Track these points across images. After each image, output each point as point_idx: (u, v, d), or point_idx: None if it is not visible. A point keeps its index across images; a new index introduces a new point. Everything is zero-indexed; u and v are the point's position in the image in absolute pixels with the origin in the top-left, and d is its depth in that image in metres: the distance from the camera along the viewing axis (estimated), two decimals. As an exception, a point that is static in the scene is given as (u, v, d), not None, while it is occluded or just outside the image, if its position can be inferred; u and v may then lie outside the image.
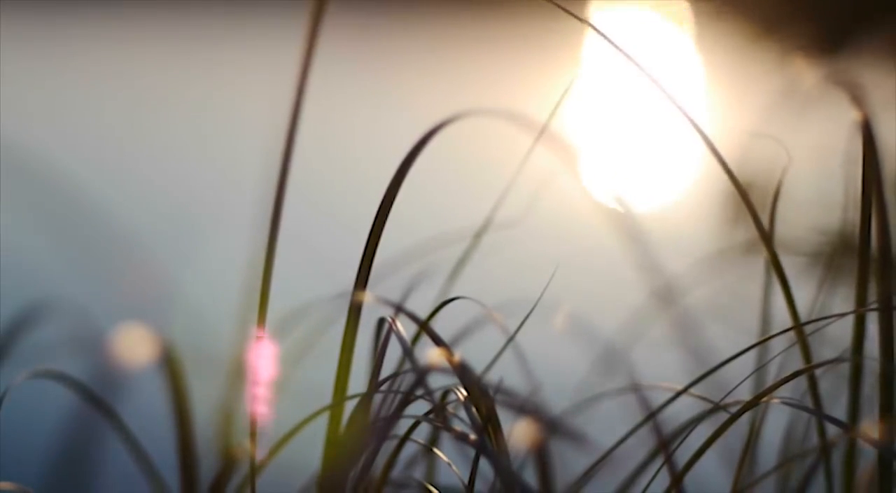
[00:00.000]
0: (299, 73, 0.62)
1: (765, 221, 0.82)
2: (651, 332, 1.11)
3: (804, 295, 1.03)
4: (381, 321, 0.74)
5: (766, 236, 0.80)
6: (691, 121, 0.77)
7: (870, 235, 0.76)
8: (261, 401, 0.67)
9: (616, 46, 0.79)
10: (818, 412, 0.76)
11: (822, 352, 0.89)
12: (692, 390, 0.79)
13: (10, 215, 2.87)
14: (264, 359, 0.66)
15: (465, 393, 0.69)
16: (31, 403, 1.57)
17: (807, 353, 0.79)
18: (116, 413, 0.69)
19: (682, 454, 0.76)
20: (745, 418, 0.84)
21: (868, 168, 0.76)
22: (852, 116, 0.76)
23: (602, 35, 0.80)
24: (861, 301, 0.77)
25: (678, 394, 0.79)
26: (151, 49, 7.16)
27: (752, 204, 0.78)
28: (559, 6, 0.80)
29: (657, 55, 7.16)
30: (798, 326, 0.78)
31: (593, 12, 9.24)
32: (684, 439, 0.75)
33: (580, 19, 0.77)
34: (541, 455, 0.55)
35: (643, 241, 0.70)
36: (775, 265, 0.80)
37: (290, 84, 0.63)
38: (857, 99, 0.76)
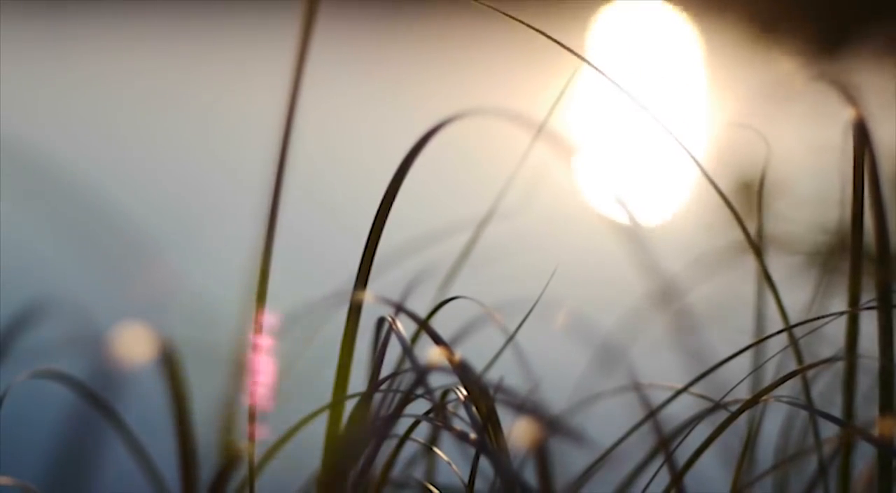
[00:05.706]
0: (293, 71, 0.62)
1: (758, 221, 0.82)
2: (650, 331, 1.11)
3: (803, 293, 1.03)
4: (381, 321, 0.74)
5: (753, 241, 0.80)
6: (680, 142, 0.77)
7: (862, 233, 0.76)
8: (261, 400, 0.67)
9: (608, 77, 0.79)
10: (814, 409, 0.76)
11: (822, 351, 0.89)
12: (691, 388, 0.79)
13: (12, 214, 2.87)
14: (264, 358, 0.67)
15: (465, 393, 0.69)
16: (31, 403, 1.57)
17: (798, 353, 0.79)
18: (116, 413, 0.69)
19: (682, 453, 0.76)
20: (744, 417, 0.85)
21: (859, 166, 0.76)
22: (848, 114, 0.76)
23: (594, 67, 0.80)
24: (854, 300, 0.77)
25: (678, 393, 0.79)
26: (157, 47, 7.16)
27: (736, 210, 0.78)
28: (552, 39, 0.80)
29: (657, 54, 7.15)
30: (789, 327, 0.79)
31: (599, 11, 9.24)
32: (684, 438, 0.75)
33: (571, 51, 0.77)
34: (541, 454, 0.55)
35: (642, 240, 0.70)
36: (762, 269, 0.80)
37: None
38: (851, 98, 0.76)
